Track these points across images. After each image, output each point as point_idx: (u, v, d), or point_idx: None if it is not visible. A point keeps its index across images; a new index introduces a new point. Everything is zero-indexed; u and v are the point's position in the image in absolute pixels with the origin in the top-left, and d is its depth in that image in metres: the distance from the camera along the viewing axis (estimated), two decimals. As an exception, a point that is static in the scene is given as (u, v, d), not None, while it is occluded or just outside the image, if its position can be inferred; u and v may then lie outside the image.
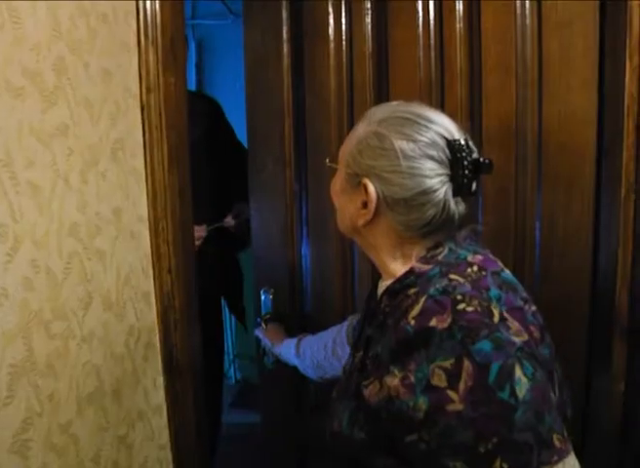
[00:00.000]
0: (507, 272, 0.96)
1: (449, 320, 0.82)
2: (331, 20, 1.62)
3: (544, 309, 1.42)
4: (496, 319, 0.83)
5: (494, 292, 0.87)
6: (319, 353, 1.49)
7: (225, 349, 3.51)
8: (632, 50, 1.31)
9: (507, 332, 0.82)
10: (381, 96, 1.61)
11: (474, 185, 0.92)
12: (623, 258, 1.37)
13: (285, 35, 1.67)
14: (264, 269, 1.81)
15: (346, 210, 1.00)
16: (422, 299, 0.86)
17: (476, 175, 0.91)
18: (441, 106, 1.55)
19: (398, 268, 0.97)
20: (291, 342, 1.61)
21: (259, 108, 1.73)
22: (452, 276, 0.88)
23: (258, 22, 1.70)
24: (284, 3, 1.66)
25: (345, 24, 1.62)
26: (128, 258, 1.25)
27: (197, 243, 1.95)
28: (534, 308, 0.93)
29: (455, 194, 0.92)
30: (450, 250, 0.95)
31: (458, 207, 0.93)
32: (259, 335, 1.77)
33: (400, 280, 0.94)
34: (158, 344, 1.37)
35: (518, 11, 1.46)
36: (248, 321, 2.33)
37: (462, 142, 0.90)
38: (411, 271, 0.93)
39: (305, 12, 1.65)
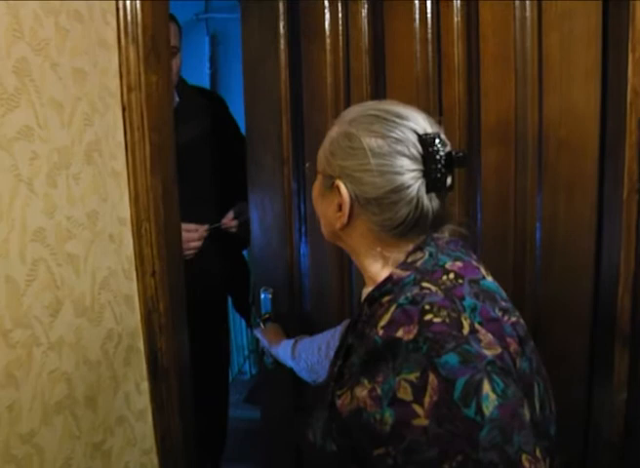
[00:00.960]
0: (489, 280, 0.92)
1: (415, 331, 0.79)
2: (327, 15, 1.58)
3: (544, 313, 1.37)
4: (465, 331, 0.79)
5: (468, 301, 0.83)
6: (313, 356, 1.47)
7: (241, 344, 3.53)
8: (635, 42, 1.24)
9: (477, 345, 0.78)
10: (378, 90, 1.56)
11: (449, 180, 0.89)
12: (626, 262, 1.31)
13: (282, 30, 1.64)
14: (263, 268, 1.78)
15: (326, 214, 0.98)
16: (392, 308, 0.83)
17: (449, 168, 0.88)
18: (438, 101, 1.51)
19: (378, 272, 0.94)
20: (287, 344, 1.58)
21: (256, 104, 1.70)
22: (424, 284, 0.85)
23: (254, 18, 1.67)
24: (281, -2, 1.62)
25: (342, 19, 1.57)
26: (106, 262, 1.23)
27: (198, 243, 1.93)
28: (514, 319, 0.88)
29: (429, 190, 0.88)
30: (430, 255, 0.91)
31: (432, 203, 0.90)
32: (258, 335, 1.75)
33: (379, 287, 0.91)
34: (142, 348, 1.35)
35: (517, 2, 1.40)
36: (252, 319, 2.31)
37: (434, 136, 0.87)
38: (389, 278, 0.90)
39: (302, 6, 1.61)
